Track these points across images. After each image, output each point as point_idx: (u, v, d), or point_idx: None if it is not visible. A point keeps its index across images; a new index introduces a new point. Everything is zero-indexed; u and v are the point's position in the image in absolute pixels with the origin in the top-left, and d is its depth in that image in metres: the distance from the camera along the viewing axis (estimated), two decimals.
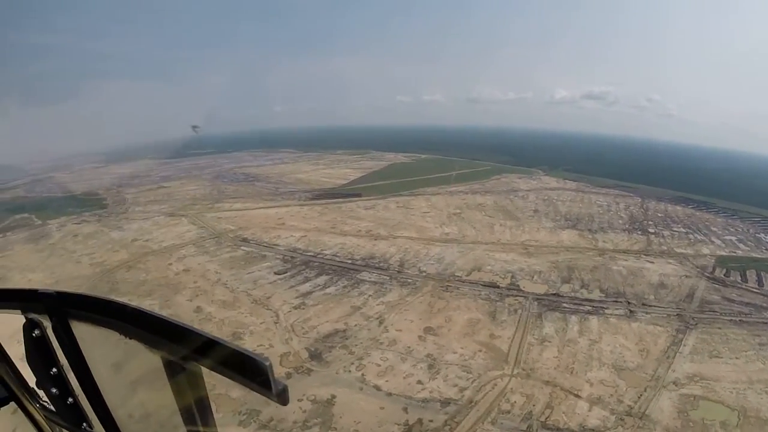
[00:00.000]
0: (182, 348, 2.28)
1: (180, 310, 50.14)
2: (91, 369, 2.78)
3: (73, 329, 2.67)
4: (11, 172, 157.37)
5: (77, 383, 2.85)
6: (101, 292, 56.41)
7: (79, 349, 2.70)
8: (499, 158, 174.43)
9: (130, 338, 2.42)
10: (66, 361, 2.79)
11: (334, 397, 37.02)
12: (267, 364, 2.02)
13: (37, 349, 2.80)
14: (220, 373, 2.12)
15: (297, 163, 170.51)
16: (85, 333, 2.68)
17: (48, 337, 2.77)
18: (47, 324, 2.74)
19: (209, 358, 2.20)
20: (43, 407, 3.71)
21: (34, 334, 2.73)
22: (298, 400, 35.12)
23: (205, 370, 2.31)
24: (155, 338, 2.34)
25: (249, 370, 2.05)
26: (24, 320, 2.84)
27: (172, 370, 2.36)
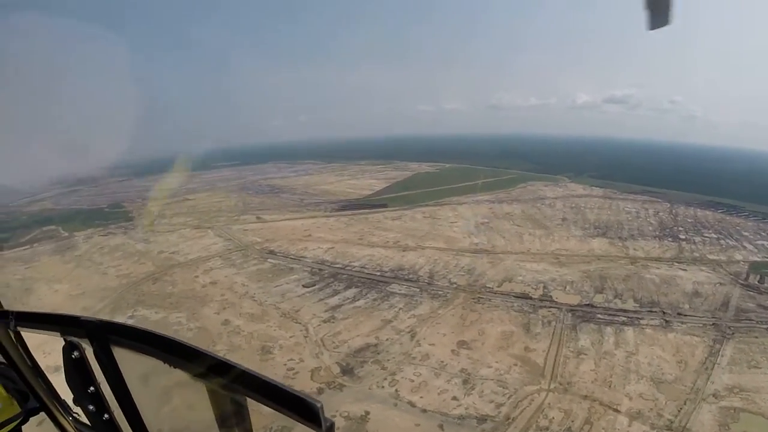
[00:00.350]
0: (229, 383, 2.22)
1: (208, 323, 49.91)
2: (130, 390, 2.84)
3: (114, 354, 2.71)
4: (38, 185, 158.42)
5: (114, 402, 2.90)
6: (128, 304, 57.26)
7: (120, 371, 2.75)
8: (524, 166, 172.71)
9: (174, 367, 2.38)
10: (104, 380, 2.81)
11: (367, 413, 36.46)
12: (319, 405, 1.91)
13: (76, 369, 2.84)
14: (267, 407, 2.04)
15: (321, 175, 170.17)
16: (125, 358, 2.71)
17: (86, 358, 2.82)
18: (86, 347, 2.78)
19: (258, 395, 2.12)
20: (76, 420, 3.89)
21: (73, 356, 2.76)
22: (331, 416, 34.26)
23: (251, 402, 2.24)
24: (200, 370, 2.31)
25: (299, 409, 1.98)
26: (64, 342, 2.87)
27: (216, 400, 2.33)
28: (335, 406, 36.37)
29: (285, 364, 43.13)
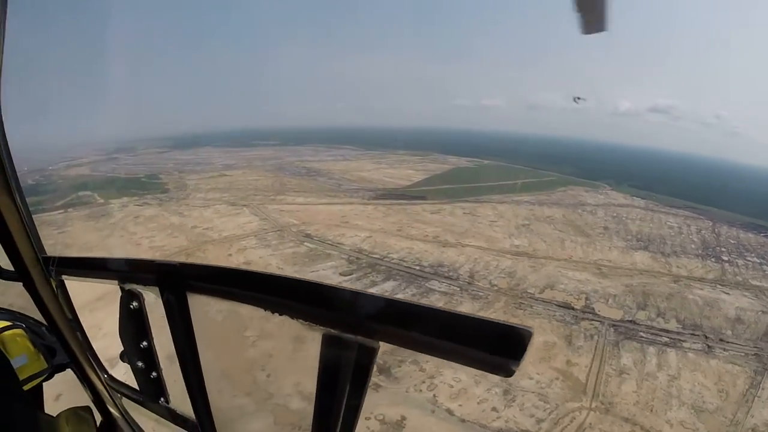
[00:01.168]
0: (364, 321, 1.81)
1: (238, 307, 47.74)
2: (198, 347, 2.57)
3: (189, 303, 2.43)
4: (77, 150, 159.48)
5: (169, 358, 2.77)
6: None
7: (191, 324, 2.47)
8: (564, 169, 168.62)
9: (280, 313, 2.09)
10: (162, 334, 2.63)
11: (404, 418, 34.78)
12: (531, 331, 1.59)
13: (133, 322, 2.73)
14: (432, 353, 1.72)
15: (359, 161, 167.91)
16: (202, 307, 2.47)
17: (145, 310, 2.71)
18: (148, 296, 2.66)
19: (427, 333, 1.74)
20: (111, 378, 3.88)
21: (131, 306, 2.65)
22: (366, 419, 33.28)
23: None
24: (317, 311, 1.97)
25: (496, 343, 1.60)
26: (121, 291, 2.75)
27: (337, 347, 1.88)
28: (371, 408, 34.38)
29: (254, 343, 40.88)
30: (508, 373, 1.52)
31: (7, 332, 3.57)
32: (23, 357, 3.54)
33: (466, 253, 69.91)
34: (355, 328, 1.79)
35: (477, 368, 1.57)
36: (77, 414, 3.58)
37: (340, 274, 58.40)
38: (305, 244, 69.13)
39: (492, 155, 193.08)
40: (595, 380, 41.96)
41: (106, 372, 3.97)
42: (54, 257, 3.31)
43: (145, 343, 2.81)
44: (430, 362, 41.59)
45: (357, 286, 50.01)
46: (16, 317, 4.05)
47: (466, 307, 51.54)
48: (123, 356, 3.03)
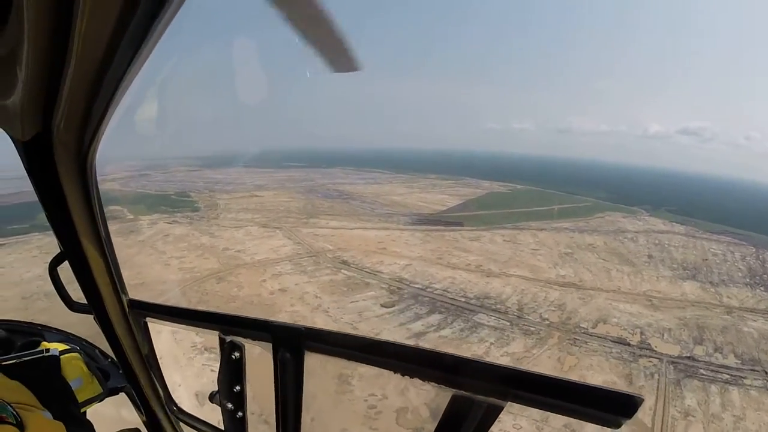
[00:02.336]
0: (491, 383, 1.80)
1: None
2: (301, 407, 2.63)
3: (305, 360, 2.48)
4: (108, 166, 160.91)
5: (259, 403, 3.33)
6: (189, 303, 53.50)
7: (301, 383, 2.53)
8: (598, 194, 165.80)
9: (411, 376, 2.10)
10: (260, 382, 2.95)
11: None
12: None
13: (231, 370, 2.77)
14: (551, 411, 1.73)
15: (391, 185, 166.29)
16: (316, 365, 2.58)
17: (244, 360, 2.77)
18: (250, 347, 2.75)
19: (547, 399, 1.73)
20: (178, 408, 3.93)
21: (233, 356, 2.72)
22: None
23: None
24: (446, 376, 1.92)
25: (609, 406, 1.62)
26: (223, 342, 2.83)
27: (465, 406, 1.84)
28: None
29: (365, 400, 39.21)
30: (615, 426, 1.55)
31: (64, 355, 3.41)
32: (78, 380, 3.44)
33: (512, 284, 66.85)
34: (482, 390, 1.77)
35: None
36: None
37: (382, 306, 55.69)
38: (342, 271, 66.48)
39: (525, 180, 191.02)
40: (661, 425, 39.35)
41: (172, 401, 3.95)
42: (144, 302, 3.31)
43: (238, 388, 2.78)
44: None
45: (401, 319, 47.76)
46: (70, 339, 4.09)
47: (519, 343, 48.71)
48: (213, 396, 2.98)
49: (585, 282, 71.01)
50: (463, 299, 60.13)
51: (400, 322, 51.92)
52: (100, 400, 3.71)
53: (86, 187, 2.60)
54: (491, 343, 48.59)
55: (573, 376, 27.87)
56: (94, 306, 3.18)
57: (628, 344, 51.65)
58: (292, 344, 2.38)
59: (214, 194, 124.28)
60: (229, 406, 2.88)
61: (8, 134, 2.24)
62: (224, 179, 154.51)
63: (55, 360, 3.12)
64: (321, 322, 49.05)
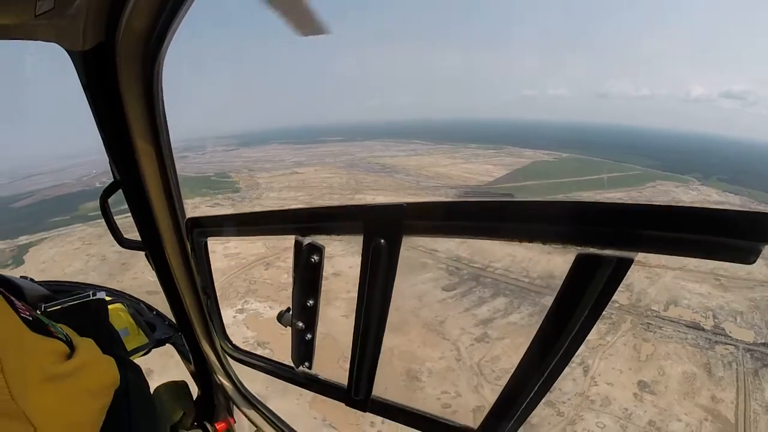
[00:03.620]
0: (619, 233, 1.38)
1: (334, 330, 41.99)
2: (390, 300, 2.06)
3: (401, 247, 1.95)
4: None
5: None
6: (238, 293, 53.82)
7: (393, 276, 1.99)
8: (644, 162, 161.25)
9: (530, 241, 1.54)
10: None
11: None
12: None
13: (309, 277, 2.41)
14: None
15: (432, 156, 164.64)
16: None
17: (323, 265, 2.35)
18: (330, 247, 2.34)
19: None
20: (234, 347, 3.68)
21: (312, 260, 2.32)
22: None
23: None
24: (573, 230, 1.47)
25: None
26: (300, 243, 2.38)
27: (591, 264, 1.43)
28: None
29: (438, 398, 37.05)
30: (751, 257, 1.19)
31: (110, 305, 3.27)
32: (125, 330, 3.35)
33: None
34: (611, 242, 1.38)
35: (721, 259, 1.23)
36: (174, 387, 3.66)
37: (443, 289, 53.38)
38: None
39: (568, 147, 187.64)
40: (744, 420, 37.54)
41: (227, 339, 3.66)
42: (204, 218, 2.99)
43: (311, 302, 2.43)
44: (567, 403, 37.28)
45: (465, 304, 45.49)
46: (114, 293, 3.90)
47: (594, 330, 46.40)
48: (281, 316, 2.71)
49: (649, 259, 66.52)
50: (526, 279, 57.74)
51: (464, 307, 49.51)
52: (147, 352, 3.53)
53: (150, 103, 2.35)
54: None
55: (651, 369, 25.48)
56: (148, 238, 3.04)
57: (703, 329, 49.20)
58: (389, 228, 1.85)
59: (254, 173, 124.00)
60: (300, 324, 2.53)
61: (65, 48, 2.13)
62: (262, 157, 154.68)
63: (102, 303, 2.88)
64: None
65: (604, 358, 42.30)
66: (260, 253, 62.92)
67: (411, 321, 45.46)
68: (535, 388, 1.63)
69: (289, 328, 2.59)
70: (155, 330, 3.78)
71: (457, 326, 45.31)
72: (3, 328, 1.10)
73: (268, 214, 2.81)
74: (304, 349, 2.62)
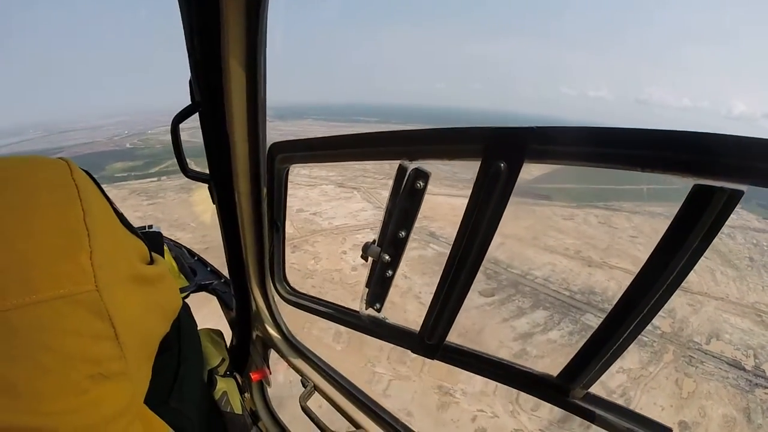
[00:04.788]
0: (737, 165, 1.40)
1: (363, 335, 41.23)
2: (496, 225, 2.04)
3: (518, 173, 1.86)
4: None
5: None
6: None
7: (507, 200, 1.90)
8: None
9: (651, 169, 1.62)
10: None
11: None
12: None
13: (410, 204, 2.27)
14: None
15: None
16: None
17: (425, 192, 2.21)
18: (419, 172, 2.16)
19: None
20: (293, 289, 3.63)
21: (417, 186, 2.18)
22: None
23: None
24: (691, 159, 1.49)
25: None
26: (404, 167, 2.22)
27: (706, 196, 1.48)
28: None
29: (473, 419, 35.35)
30: None
31: None
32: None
33: (616, 278, 61.86)
34: (726, 173, 1.40)
35: None
36: (210, 334, 3.35)
37: (480, 294, 51.40)
38: (431, 245, 62.73)
39: None
40: None
41: (287, 283, 3.58)
42: (285, 142, 2.94)
43: (403, 233, 2.32)
44: None
45: (503, 313, 44.28)
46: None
47: (634, 356, 44.38)
48: (366, 247, 2.47)
49: (691, 284, 64.97)
50: (567, 293, 55.84)
51: (502, 317, 47.64)
52: (186, 296, 3.56)
53: (253, 25, 2.16)
54: None
55: (692, 408, 24.58)
56: (218, 168, 2.94)
57: (744, 369, 47.17)
58: (512, 151, 1.77)
59: None
60: (386, 257, 2.39)
61: None
62: (296, 131, 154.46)
63: (159, 235, 2.58)
64: (413, 310, 44.92)
65: (646, 391, 40.93)
66: (288, 234, 61.33)
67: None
68: (630, 328, 1.67)
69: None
70: (196, 275, 3.95)
71: (495, 338, 43.86)
72: (96, 214, 1.03)
73: (368, 136, 2.42)
74: (380, 287, 2.49)
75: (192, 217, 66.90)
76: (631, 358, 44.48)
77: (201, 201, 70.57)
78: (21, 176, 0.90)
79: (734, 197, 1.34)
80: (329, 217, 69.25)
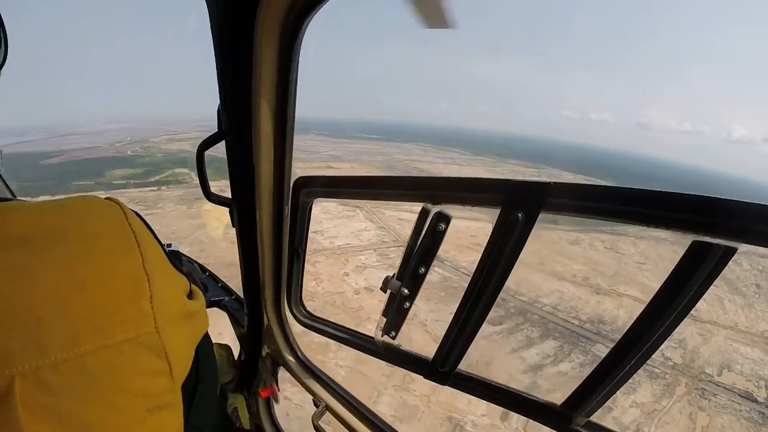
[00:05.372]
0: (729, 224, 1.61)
1: (364, 365, 38.35)
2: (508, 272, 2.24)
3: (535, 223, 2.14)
4: (182, 125, 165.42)
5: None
6: None
7: (521, 247, 2.18)
8: None
9: (656, 225, 1.79)
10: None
11: None
12: None
13: (432, 244, 2.41)
14: None
15: (472, 167, 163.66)
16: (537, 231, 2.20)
17: (446, 233, 2.36)
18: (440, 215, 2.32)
19: None
20: (308, 312, 3.78)
21: (438, 228, 2.36)
22: None
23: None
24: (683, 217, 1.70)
25: None
26: (427, 210, 2.37)
27: (702, 252, 1.66)
28: None
29: None
30: None
31: None
32: None
33: (625, 306, 61.10)
34: (721, 232, 1.59)
35: None
36: (221, 350, 3.70)
37: (488, 322, 50.05)
38: (436, 269, 61.54)
39: (609, 176, 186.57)
40: None
41: (303, 306, 3.73)
42: (311, 177, 3.02)
43: (423, 270, 2.43)
44: None
45: (511, 343, 43.54)
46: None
47: (646, 390, 43.45)
48: (387, 281, 2.58)
49: (700, 313, 64.12)
50: (576, 322, 54.81)
51: (511, 348, 46.41)
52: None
53: (286, 64, 2.24)
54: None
55: None
56: (241, 194, 3.07)
57: (756, 401, 46.35)
58: (530, 202, 1.98)
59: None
60: (405, 291, 2.52)
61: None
62: (299, 146, 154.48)
63: (178, 254, 2.96)
64: (419, 341, 43.27)
65: (660, 426, 39.93)
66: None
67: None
68: (627, 367, 1.79)
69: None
70: (207, 291, 4.05)
71: (504, 370, 42.96)
72: (152, 258, 1.12)
73: (393, 179, 2.64)
74: (397, 317, 2.64)
75: (190, 230, 66.13)
76: (644, 392, 43.65)
77: (201, 215, 70.27)
78: (82, 224, 0.97)
79: (729, 253, 1.51)
80: (331, 236, 68.29)
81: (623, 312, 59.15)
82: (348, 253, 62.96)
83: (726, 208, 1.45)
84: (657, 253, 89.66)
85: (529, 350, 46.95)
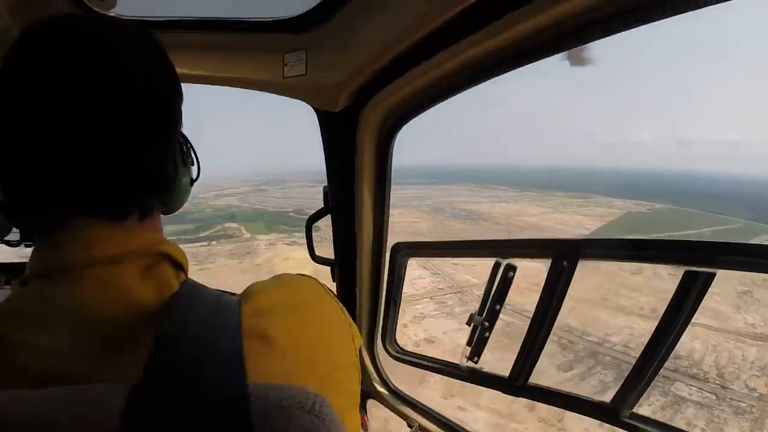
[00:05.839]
0: None
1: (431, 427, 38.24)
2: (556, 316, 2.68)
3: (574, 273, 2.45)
4: (230, 180, 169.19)
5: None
6: None
7: (567, 288, 2.45)
8: (744, 214, 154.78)
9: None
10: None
11: None
12: None
13: (502, 288, 2.70)
14: None
15: (519, 204, 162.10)
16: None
17: (512, 279, 2.69)
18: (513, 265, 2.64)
19: None
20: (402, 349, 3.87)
21: (508, 276, 2.67)
22: None
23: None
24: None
25: None
26: (499, 263, 2.69)
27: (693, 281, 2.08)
28: None
29: None
30: None
31: None
32: None
33: (699, 336, 56.65)
34: (706, 263, 1.98)
35: None
36: None
37: (558, 369, 47.74)
38: (501, 316, 60.06)
39: (656, 197, 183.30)
40: None
41: (396, 343, 3.81)
42: (406, 243, 3.30)
43: (498, 307, 2.77)
44: None
45: (585, 389, 41.13)
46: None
47: (733, 428, 41.25)
48: (471, 318, 2.95)
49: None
50: None
51: (585, 395, 44.51)
52: None
53: (382, 164, 2.65)
54: (702, 430, 41.41)
55: None
56: (342, 256, 3.28)
57: None
58: (571, 253, 2.32)
59: None
60: (486, 323, 2.84)
61: (313, 107, 2.49)
62: (406, 194, 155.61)
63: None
64: (487, 393, 42.04)
65: None
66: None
67: (521, 412, 40.74)
68: (656, 363, 2.11)
69: None
70: None
71: (579, 425, 40.78)
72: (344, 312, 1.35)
73: (470, 242, 3.17)
74: (478, 345, 2.88)
75: (244, 283, 65.49)
76: (730, 430, 41.15)
77: (252, 269, 70.31)
78: (313, 301, 1.19)
79: (710, 278, 1.96)
80: None
81: (698, 343, 54.35)
82: (405, 303, 60.05)
83: (704, 248, 1.93)
84: (722, 273, 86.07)
85: (605, 395, 44.10)
